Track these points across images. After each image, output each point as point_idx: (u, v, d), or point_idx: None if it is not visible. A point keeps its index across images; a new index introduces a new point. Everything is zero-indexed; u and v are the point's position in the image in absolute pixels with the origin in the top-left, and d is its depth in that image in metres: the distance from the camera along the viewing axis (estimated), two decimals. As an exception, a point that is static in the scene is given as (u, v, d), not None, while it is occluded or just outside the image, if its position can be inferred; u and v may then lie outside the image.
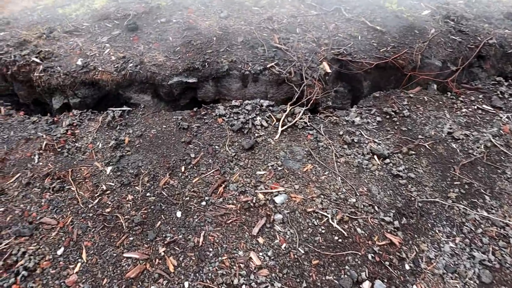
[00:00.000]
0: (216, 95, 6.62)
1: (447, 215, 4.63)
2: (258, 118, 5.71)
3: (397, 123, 5.85)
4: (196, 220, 4.40)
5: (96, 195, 4.72)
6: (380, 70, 6.93)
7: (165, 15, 7.81)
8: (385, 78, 7.16)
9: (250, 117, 5.73)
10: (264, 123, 5.61)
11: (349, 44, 7.12)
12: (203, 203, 4.59)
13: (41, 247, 4.17)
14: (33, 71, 6.51)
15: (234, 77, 6.39)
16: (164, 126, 5.69)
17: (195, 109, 5.93)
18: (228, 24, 7.53)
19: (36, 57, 6.61)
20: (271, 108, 5.93)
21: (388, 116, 5.96)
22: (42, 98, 6.75)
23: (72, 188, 4.80)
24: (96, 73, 6.32)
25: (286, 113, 5.73)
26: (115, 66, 6.37)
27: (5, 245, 4.14)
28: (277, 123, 5.66)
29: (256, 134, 5.48)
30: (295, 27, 7.49)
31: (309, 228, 4.33)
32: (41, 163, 5.17)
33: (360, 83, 7.10)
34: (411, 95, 6.47)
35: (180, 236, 4.26)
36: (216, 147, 5.31)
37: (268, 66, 6.33)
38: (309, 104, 5.96)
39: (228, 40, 6.99)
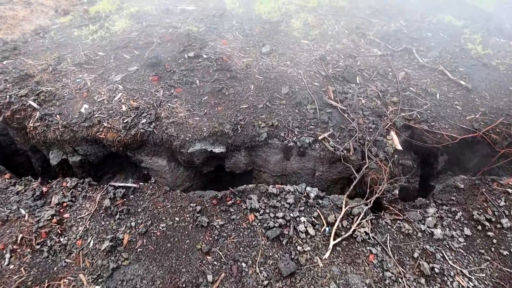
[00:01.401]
0: (249, 166, 5.02)
1: None
2: (303, 219, 4.07)
3: (494, 240, 4.06)
4: None
5: (71, 338, 3.27)
6: (464, 144, 5.10)
7: (194, 47, 6.20)
8: (468, 155, 5.31)
9: (291, 215, 4.10)
10: (311, 230, 3.97)
11: (425, 105, 5.30)
12: None
13: None
14: (29, 118, 5.11)
15: (274, 148, 4.75)
16: (177, 218, 4.16)
17: (219, 195, 4.35)
18: (270, 64, 5.85)
19: (34, 100, 5.19)
20: (320, 201, 4.27)
21: (480, 227, 4.17)
22: (39, 148, 5.36)
23: (42, 321, 3.37)
24: (101, 129, 4.84)
25: (341, 215, 4.06)
26: (124, 121, 4.86)
27: None
28: (327, 228, 4.01)
29: (299, 248, 3.85)
30: (354, 74, 5.71)
31: None
32: (12, 266, 3.77)
33: (435, 158, 5.29)
34: (509, 189, 4.62)
35: None
36: (243, 264, 3.73)
37: (319, 137, 4.65)
38: (371, 201, 4.25)
39: (269, 90, 5.33)
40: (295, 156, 4.73)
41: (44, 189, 4.53)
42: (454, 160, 5.37)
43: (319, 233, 4.00)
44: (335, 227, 3.98)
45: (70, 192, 4.44)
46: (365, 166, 4.51)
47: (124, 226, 4.07)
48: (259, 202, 4.26)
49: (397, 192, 4.58)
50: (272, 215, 4.13)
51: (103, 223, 4.13)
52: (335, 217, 4.10)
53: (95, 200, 4.35)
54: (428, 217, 4.25)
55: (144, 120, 4.85)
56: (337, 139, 4.69)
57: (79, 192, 4.47)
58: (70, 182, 4.56)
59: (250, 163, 4.98)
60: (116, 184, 4.49)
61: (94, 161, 5.14)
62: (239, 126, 4.76)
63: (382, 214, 4.31)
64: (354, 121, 4.92)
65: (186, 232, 4.04)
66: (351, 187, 4.41)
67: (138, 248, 3.89)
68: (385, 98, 5.40)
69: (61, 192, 4.45)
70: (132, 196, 4.41)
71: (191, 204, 4.29)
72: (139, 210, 4.25)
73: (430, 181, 5.56)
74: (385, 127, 4.98)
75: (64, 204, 4.30)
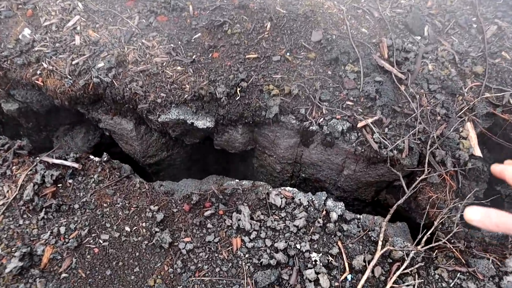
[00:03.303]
0: (248, 145, 3.37)
1: None
2: (314, 256, 2.54)
3: None
4: None
5: None
6: None
7: (195, -46, 4.14)
8: None
9: (298, 247, 2.57)
10: (324, 279, 2.45)
11: (524, 82, 3.37)
12: None
13: None
14: None
15: (288, 128, 3.05)
16: (128, 228, 2.68)
17: (195, 197, 2.78)
18: (300, -9, 3.84)
19: (-45, 13, 3.47)
20: (344, 227, 2.69)
21: None
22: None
23: None
24: (38, 71, 3.17)
25: (374, 260, 2.50)
26: (74, 63, 3.16)
27: None
28: (350, 277, 2.49)
29: (302, 308, 2.39)
30: (421, 21, 3.69)
31: None
32: None
33: (520, 162, 3.51)
34: None
35: None
36: (212, 325, 2.33)
37: (359, 125, 2.89)
38: (424, 237, 2.65)
39: (293, 32, 3.44)
40: (318, 144, 3.05)
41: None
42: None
43: (337, 284, 2.49)
44: (363, 280, 2.45)
45: (-14, 163, 2.96)
46: (421, 177, 2.82)
47: (49, 232, 2.63)
48: (252, 218, 2.70)
49: (459, 219, 2.94)
50: (268, 243, 2.60)
51: (21, 222, 2.69)
52: (364, 260, 2.54)
53: (17, 182, 2.87)
54: (507, 274, 2.65)
55: (101, 64, 3.13)
56: (386, 129, 2.93)
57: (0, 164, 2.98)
58: (-10, 146, 3.05)
59: (251, 141, 3.33)
60: (50, 160, 2.95)
61: (40, 110, 3.57)
62: (238, 90, 3.01)
63: (434, 256, 2.73)
64: (415, 100, 3.09)
65: (138, 254, 2.59)
66: (394, 209, 2.78)
67: (63, 273, 2.49)
68: (463, 65, 3.46)
69: (-27, 161, 2.97)
70: (70, 181, 2.90)
71: (152, 207, 2.77)
72: (76, 206, 2.77)
73: (496, 185, 3.87)
74: (458, 113, 3.15)
75: (-29, 183, 2.85)
